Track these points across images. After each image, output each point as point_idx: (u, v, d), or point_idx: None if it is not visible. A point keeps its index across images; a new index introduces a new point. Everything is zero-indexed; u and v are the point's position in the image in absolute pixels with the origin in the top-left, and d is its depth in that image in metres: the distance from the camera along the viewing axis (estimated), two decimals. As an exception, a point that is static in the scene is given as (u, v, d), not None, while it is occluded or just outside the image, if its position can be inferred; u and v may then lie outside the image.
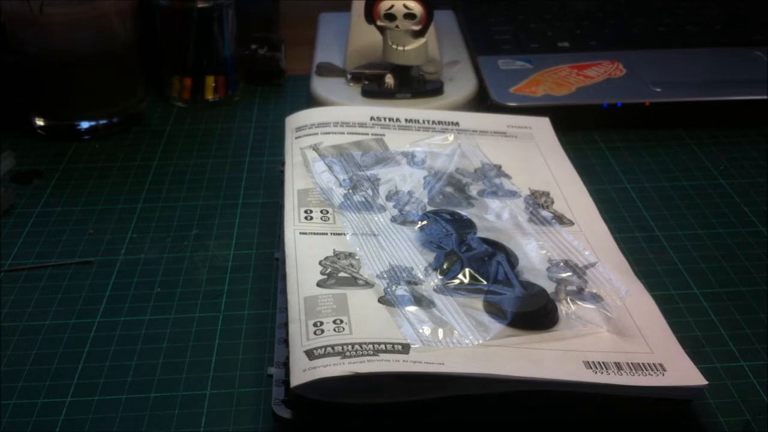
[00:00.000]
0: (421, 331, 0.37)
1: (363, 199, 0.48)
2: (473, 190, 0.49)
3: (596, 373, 0.36)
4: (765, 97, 0.64)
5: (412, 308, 0.39)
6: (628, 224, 0.53)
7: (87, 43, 0.61)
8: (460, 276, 0.41)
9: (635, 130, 0.65)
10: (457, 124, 0.56)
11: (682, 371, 0.37)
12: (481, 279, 0.41)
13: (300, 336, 0.37)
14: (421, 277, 0.42)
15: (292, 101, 0.70)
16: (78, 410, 0.39)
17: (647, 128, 0.65)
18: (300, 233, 0.44)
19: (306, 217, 0.46)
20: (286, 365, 0.38)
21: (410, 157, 0.52)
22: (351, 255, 0.43)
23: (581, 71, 0.68)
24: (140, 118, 0.67)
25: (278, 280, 0.45)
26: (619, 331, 0.39)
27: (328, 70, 0.69)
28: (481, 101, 0.66)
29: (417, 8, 0.61)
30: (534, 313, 0.39)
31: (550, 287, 0.41)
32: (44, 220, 0.54)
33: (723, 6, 0.81)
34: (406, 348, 0.36)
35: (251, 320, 0.45)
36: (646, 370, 0.36)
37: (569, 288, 0.41)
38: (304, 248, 0.43)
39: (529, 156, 0.53)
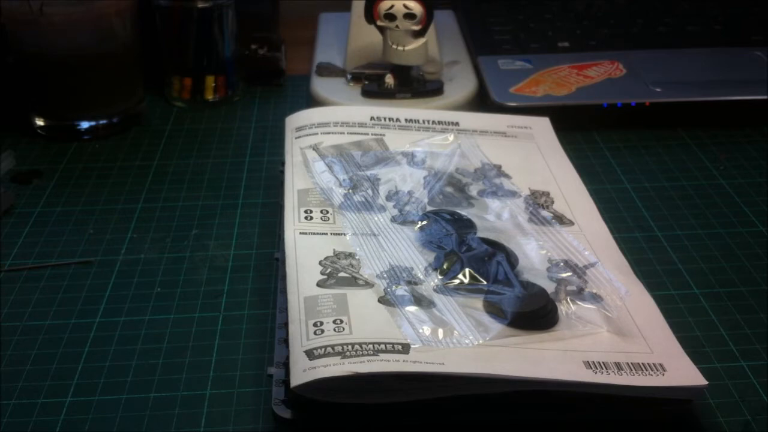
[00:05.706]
0: (421, 331, 0.37)
1: (363, 199, 0.48)
2: (473, 190, 0.49)
3: (596, 373, 0.36)
4: (765, 97, 0.64)
5: (412, 308, 0.39)
6: (628, 224, 0.53)
7: (87, 43, 0.61)
8: (460, 276, 0.41)
9: (635, 130, 0.65)
10: (457, 124, 0.56)
11: (682, 371, 0.37)
12: (481, 279, 0.41)
13: (300, 336, 0.37)
14: (421, 277, 0.42)
15: (292, 101, 0.70)
16: (78, 410, 0.39)
17: (647, 128, 0.65)
18: (300, 233, 0.44)
19: (306, 217, 0.46)
20: (286, 365, 0.38)
21: (410, 157, 0.52)
22: (351, 255, 0.43)
23: (581, 71, 0.68)
24: (140, 118, 0.67)
25: (278, 280, 0.45)
26: (619, 331, 0.39)
27: (328, 70, 0.69)
28: (481, 101, 0.66)
29: (417, 8, 0.61)
30: (534, 313, 0.39)
31: (550, 287, 0.41)
32: (44, 220, 0.54)
33: (723, 6, 0.81)
34: (406, 348, 0.36)
35: (251, 320, 0.45)
36: (646, 370, 0.36)
37: (569, 288, 0.41)
38: (304, 248, 0.43)
39: (529, 156, 0.53)
